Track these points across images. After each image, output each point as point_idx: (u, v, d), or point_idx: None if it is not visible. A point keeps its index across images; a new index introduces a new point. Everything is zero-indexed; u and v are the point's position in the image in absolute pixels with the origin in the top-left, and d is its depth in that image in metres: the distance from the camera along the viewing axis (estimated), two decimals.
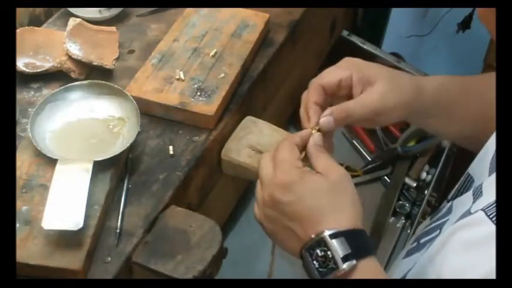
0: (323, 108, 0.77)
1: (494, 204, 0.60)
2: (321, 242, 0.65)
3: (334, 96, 0.79)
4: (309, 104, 0.77)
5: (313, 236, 0.66)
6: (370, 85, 0.76)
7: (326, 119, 0.75)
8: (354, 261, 0.64)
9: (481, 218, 0.60)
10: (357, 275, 0.64)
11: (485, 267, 0.56)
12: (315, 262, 0.65)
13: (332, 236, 0.65)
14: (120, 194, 0.83)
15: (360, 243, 0.65)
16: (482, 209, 0.61)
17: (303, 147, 0.74)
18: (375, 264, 0.66)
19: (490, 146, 0.74)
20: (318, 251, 0.65)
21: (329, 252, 0.64)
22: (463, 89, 0.83)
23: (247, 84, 1.01)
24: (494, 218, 0.58)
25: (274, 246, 0.84)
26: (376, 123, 0.79)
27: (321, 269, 0.64)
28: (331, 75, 0.78)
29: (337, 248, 0.64)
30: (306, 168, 0.70)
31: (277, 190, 0.68)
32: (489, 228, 0.58)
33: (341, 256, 0.63)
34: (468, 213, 0.65)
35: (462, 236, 0.62)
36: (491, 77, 0.79)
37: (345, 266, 0.63)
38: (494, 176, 0.66)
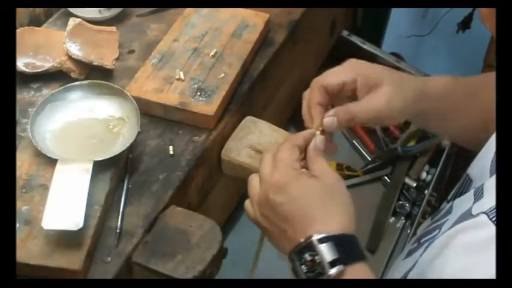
0: (325, 108, 0.77)
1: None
2: (309, 246, 0.64)
3: (336, 97, 0.78)
4: (312, 105, 0.76)
5: (302, 239, 0.65)
6: (375, 88, 0.76)
7: (330, 119, 0.75)
8: (342, 267, 0.63)
9: (484, 221, 0.60)
10: (348, 277, 0.63)
11: (488, 270, 0.56)
12: (303, 266, 0.64)
13: (320, 241, 0.64)
14: (120, 194, 0.83)
15: (349, 248, 0.65)
16: (485, 212, 0.61)
17: (305, 148, 0.73)
18: (364, 270, 0.65)
19: (491, 147, 0.73)
20: (307, 255, 0.64)
21: (317, 257, 0.63)
22: (466, 92, 0.82)
23: (247, 84, 1.01)
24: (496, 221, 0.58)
25: (263, 237, 0.83)
26: (378, 124, 0.79)
27: (308, 273, 0.64)
28: (335, 77, 0.77)
29: (325, 252, 0.63)
30: (303, 170, 0.70)
31: (272, 190, 0.68)
32: (492, 232, 0.58)
33: (328, 261, 0.63)
34: (469, 214, 0.65)
35: (464, 238, 0.62)
36: (493, 77, 0.79)
37: (332, 271, 0.63)
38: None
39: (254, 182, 0.72)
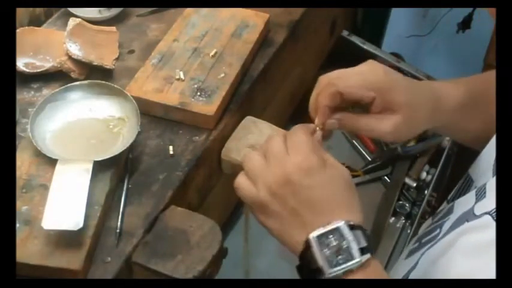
0: (333, 109, 0.75)
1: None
2: (334, 231, 0.62)
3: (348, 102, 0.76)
4: (320, 104, 0.74)
5: (325, 224, 0.63)
6: (389, 111, 0.73)
7: (333, 122, 0.74)
8: (369, 255, 0.62)
9: (488, 222, 0.60)
10: (368, 270, 0.62)
11: (493, 271, 0.55)
12: (325, 250, 0.62)
13: (351, 227, 0.62)
14: (120, 194, 0.83)
15: (371, 241, 0.64)
16: (489, 213, 0.61)
17: None
18: (379, 265, 0.65)
19: (493, 147, 0.73)
20: (332, 239, 0.62)
21: (344, 242, 0.62)
22: (479, 102, 0.81)
23: (247, 84, 1.01)
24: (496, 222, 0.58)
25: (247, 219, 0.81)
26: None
27: (331, 258, 0.62)
28: (355, 88, 0.73)
29: (356, 239, 0.62)
30: (326, 156, 0.68)
31: (296, 172, 0.65)
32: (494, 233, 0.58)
33: (358, 248, 0.62)
34: (472, 214, 0.65)
35: (469, 239, 0.62)
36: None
37: (361, 258, 0.61)
38: None
39: (257, 159, 0.69)
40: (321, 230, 0.63)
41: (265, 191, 0.66)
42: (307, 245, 0.63)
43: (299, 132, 0.69)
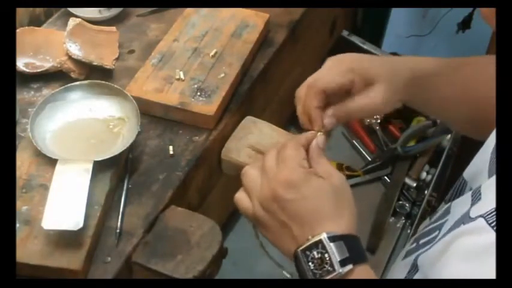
0: (323, 109, 0.78)
1: (495, 212, 0.60)
2: (318, 244, 0.65)
3: (333, 96, 0.79)
4: (311, 109, 0.77)
5: (310, 237, 0.65)
6: (370, 85, 0.77)
7: (329, 120, 0.76)
8: (351, 266, 0.64)
9: (482, 225, 0.60)
10: (355, 278, 0.64)
11: (487, 276, 0.55)
12: (310, 264, 0.64)
13: (331, 239, 0.64)
14: (120, 194, 0.83)
15: (356, 249, 0.65)
16: (483, 216, 0.60)
17: (306, 149, 0.74)
18: (368, 270, 0.66)
19: (487, 149, 0.73)
20: (315, 252, 0.64)
21: (326, 255, 0.64)
22: (454, 68, 0.84)
23: (247, 84, 1.01)
24: (495, 227, 0.58)
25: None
26: (373, 116, 0.79)
27: (315, 271, 0.64)
28: (332, 79, 0.77)
29: (336, 251, 0.64)
30: (311, 169, 0.70)
31: (281, 187, 0.67)
32: (491, 237, 0.58)
33: (338, 260, 0.63)
34: (468, 216, 0.65)
35: (464, 242, 0.62)
36: (484, 59, 0.82)
37: (342, 269, 0.63)
38: (493, 178, 0.66)
39: (252, 175, 0.72)
40: (306, 244, 0.65)
41: (259, 206, 0.70)
42: (295, 257, 0.66)
43: (288, 147, 0.71)
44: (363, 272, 0.65)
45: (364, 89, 0.77)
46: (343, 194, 0.69)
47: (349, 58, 0.80)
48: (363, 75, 0.77)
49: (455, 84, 0.84)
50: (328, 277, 0.64)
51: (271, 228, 0.69)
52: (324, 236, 0.65)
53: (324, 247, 0.64)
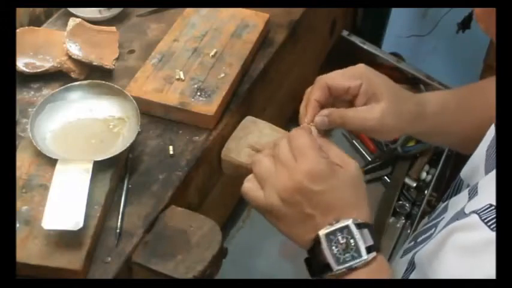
0: (323, 106, 0.78)
1: (489, 209, 0.60)
2: (343, 229, 0.65)
3: (338, 98, 0.79)
4: (310, 100, 0.78)
5: (334, 222, 0.66)
6: (374, 101, 0.77)
7: (321, 118, 0.77)
8: (375, 253, 0.65)
9: (475, 222, 0.60)
10: (372, 267, 0.65)
11: (481, 274, 0.56)
12: (333, 247, 0.65)
13: (358, 226, 0.66)
14: (120, 194, 0.83)
15: (377, 238, 0.67)
16: (476, 212, 0.61)
17: None
18: (385, 261, 0.68)
19: (483, 147, 0.74)
20: (340, 237, 0.65)
21: (352, 240, 0.65)
22: (462, 106, 0.85)
23: (247, 84, 1.01)
24: (489, 223, 0.58)
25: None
26: (368, 135, 0.80)
27: (339, 255, 0.65)
28: (342, 79, 0.78)
29: (363, 237, 0.65)
30: (331, 160, 0.70)
31: (306, 178, 0.67)
32: (484, 234, 0.58)
33: (366, 246, 0.65)
34: (462, 212, 0.65)
35: (458, 238, 0.62)
36: (489, 83, 0.82)
37: (367, 256, 0.64)
38: (490, 175, 0.66)
39: (266, 163, 0.71)
40: (330, 228, 0.66)
41: (275, 196, 0.69)
42: (316, 241, 0.66)
43: (301, 136, 0.70)
44: (383, 261, 0.67)
45: (366, 103, 0.77)
46: (360, 181, 0.71)
47: (364, 67, 0.80)
48: (370, 87, 0.77)
49: (460, 122, 0.85)
50: (352, 263, 0.64)
51: (289, 218, 0.69)
52: (350, 222, 0.66)
53: (350, 232, 0.65)
